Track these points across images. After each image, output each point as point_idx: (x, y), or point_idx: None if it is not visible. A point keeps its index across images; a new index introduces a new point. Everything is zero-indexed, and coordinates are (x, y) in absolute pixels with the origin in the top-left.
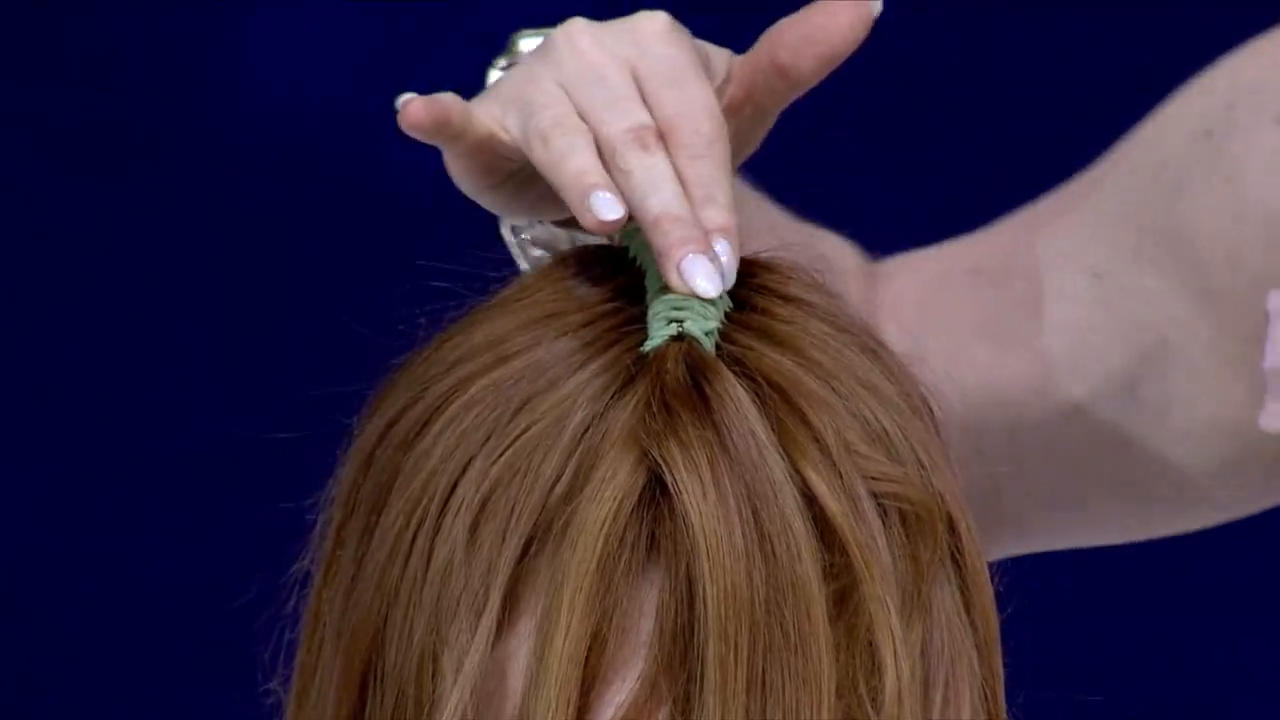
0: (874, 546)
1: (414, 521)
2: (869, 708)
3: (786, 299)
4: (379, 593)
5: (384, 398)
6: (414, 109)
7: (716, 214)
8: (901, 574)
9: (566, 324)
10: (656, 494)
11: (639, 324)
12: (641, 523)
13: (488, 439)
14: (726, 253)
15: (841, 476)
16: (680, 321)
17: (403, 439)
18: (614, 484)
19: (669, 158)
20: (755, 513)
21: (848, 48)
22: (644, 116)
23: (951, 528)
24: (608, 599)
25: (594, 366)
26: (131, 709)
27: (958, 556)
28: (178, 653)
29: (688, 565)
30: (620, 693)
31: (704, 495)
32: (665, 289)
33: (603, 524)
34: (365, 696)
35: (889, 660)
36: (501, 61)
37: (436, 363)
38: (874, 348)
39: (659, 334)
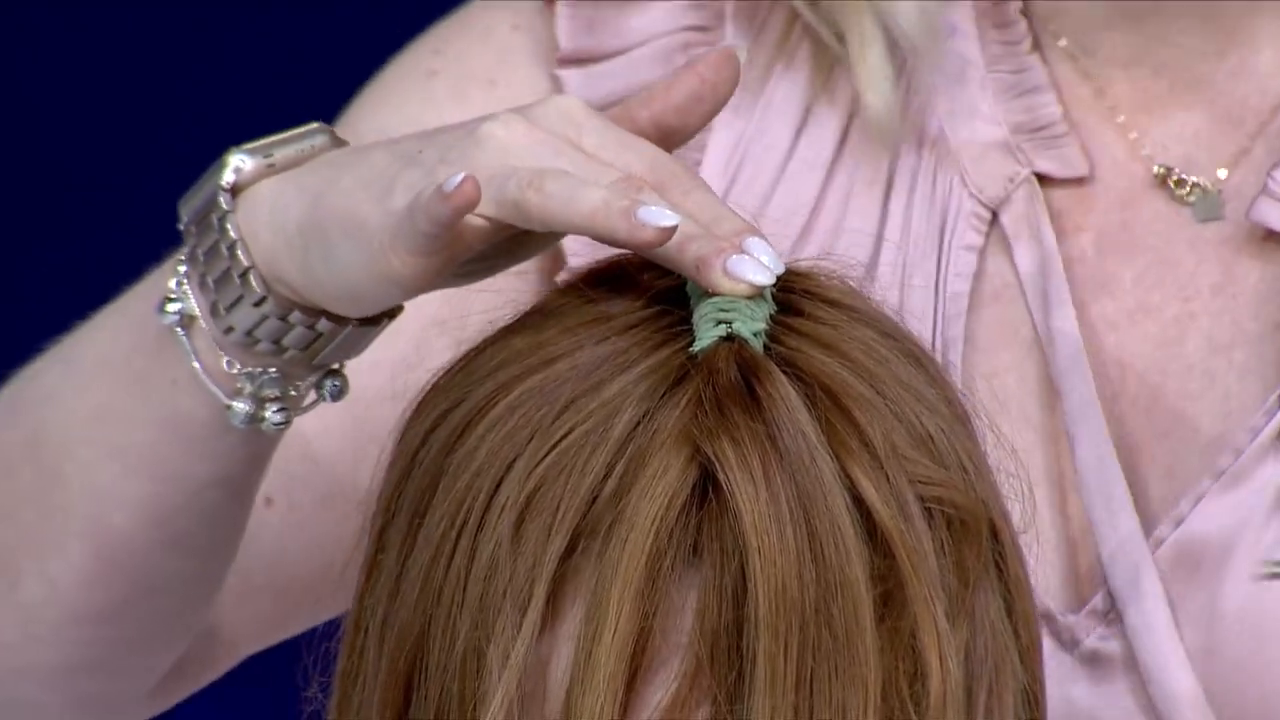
0: (920, 550)
1: (458, 521)
2: (912, 711)
3: (831, 303)
4: (423, 593)
5: (425, 404)
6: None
7: (732, 223)
8: (947, 578)
9: (610, 328)
10: (707, 491)
11: (684, 326)
12: (689, 520)
13: (532, 438)
14: (763, 246)
15: (889, 479)
16: (729, 323)
17: (445, 442)
18: (665, 481)
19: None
20: (806, 512)
21: (728, 99)
22: (622, 171)
23: (994, 534)
24: (654, 595)
25: (641, 368)
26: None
27: (1000, 563)
28: None
29: (739, 563)
30: (662, 689)
31: (756, 494)
32: (710, 293)
33: (654, 520)
34: (410, 698)
35: (934, 663)
36: (225, 182)
37: (477, 369)
38: (916, 354)
39: (708, 335)
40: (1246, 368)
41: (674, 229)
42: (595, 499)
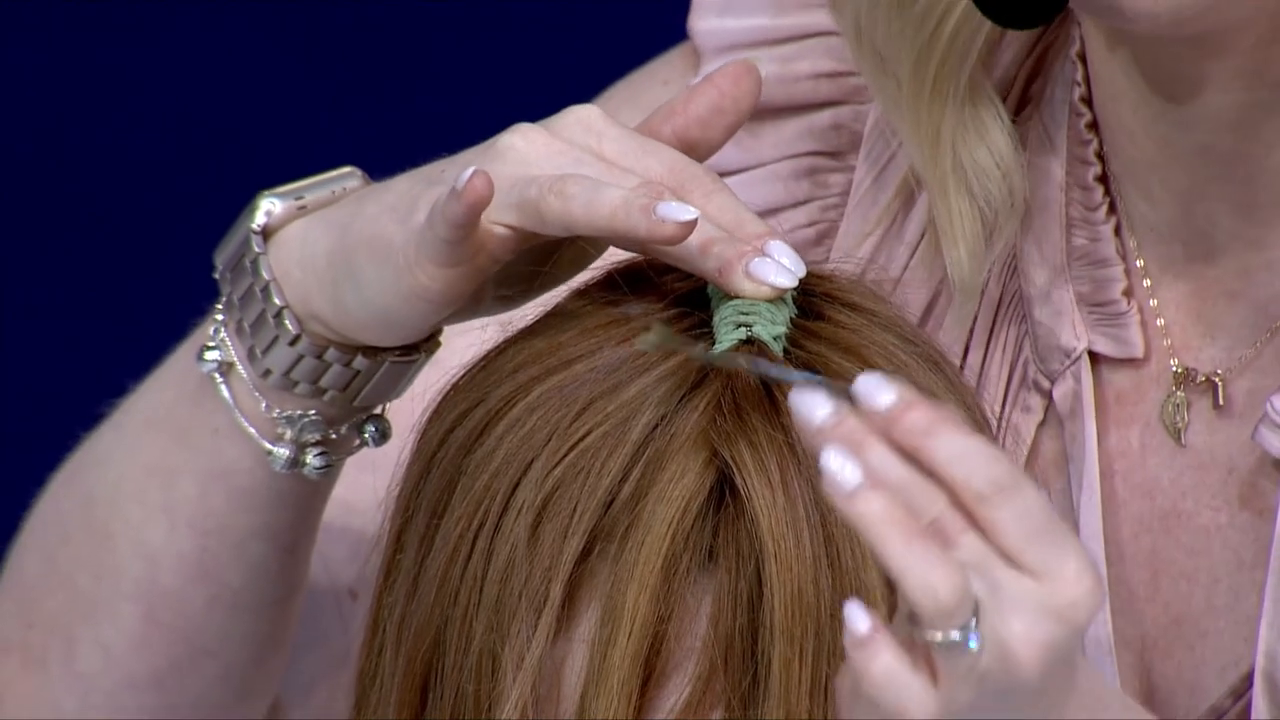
0: None
1: (475, 522)
2: None
3: (851, 307)
4: (440, 593)
5: (444, 404)
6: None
7: (755, 225)
8: None
9: (629, 330)
10: (724, 495)
11: (704, 329)
12: (706, 524)
13: (550, 439)
14: (784, 249)
15: None
16: (749, 325)
17: (463, 442)
18: (682, 484)
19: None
20: (823, 518)
21: (751, 111)
22: (642, 176)
23: None
24: (670, 599)
25: (660, 370)
26: None
27: None
28: None
29: (755, 567)
30: (676, 693)
31: (774, 498)
32: (730, 296)
33: (670, 524)
34: (426, 698)
35: None
36: (256, 225)
37: (496, 370)
38: (935, 358)
39: (727, 338)
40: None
41: (694, 223)
42: (612, 501)
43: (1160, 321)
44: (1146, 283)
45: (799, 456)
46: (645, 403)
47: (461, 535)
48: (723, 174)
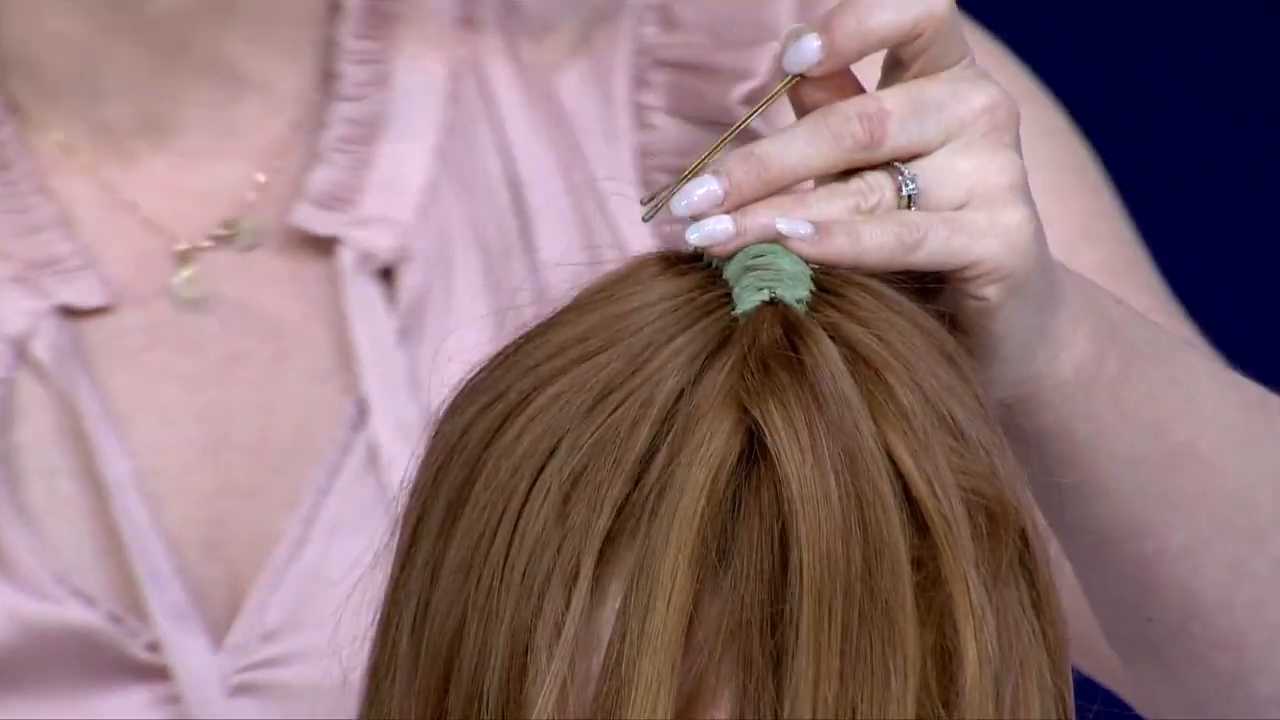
0: (957, 528)
1: (500, 506)
2: (947, 687)
3: (869, 291)
4: (464, 580)
5: (461, 399)
6: None
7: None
8: (981, 564)
9: (650, 314)
10: (755, 454)
11: (724, 301)
12: (738, 485)
13: (577, 424)
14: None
15: (928, 455)
16: (771, 288)
17: (485, 433)
18: (712, 447)
19: None
20: (852, 476)
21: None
22: None
23: (1024, 538)
24: (706, 562)
25: (681, 339)
26: None
27: (1029, 565)
28: None
29: (784, 527)
30: (710, 653)
31: (803, 457)
32: (750, 267)
33: (703, 486)
34: (449, 686)
35: (969, 642)
36: None
37: (515, 365)
38: (950, 352)
39: (750, 300)
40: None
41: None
42: (642, 471)
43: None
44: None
45: (827, 416)
46: (669, 371)
47: (487, 521)
48: None
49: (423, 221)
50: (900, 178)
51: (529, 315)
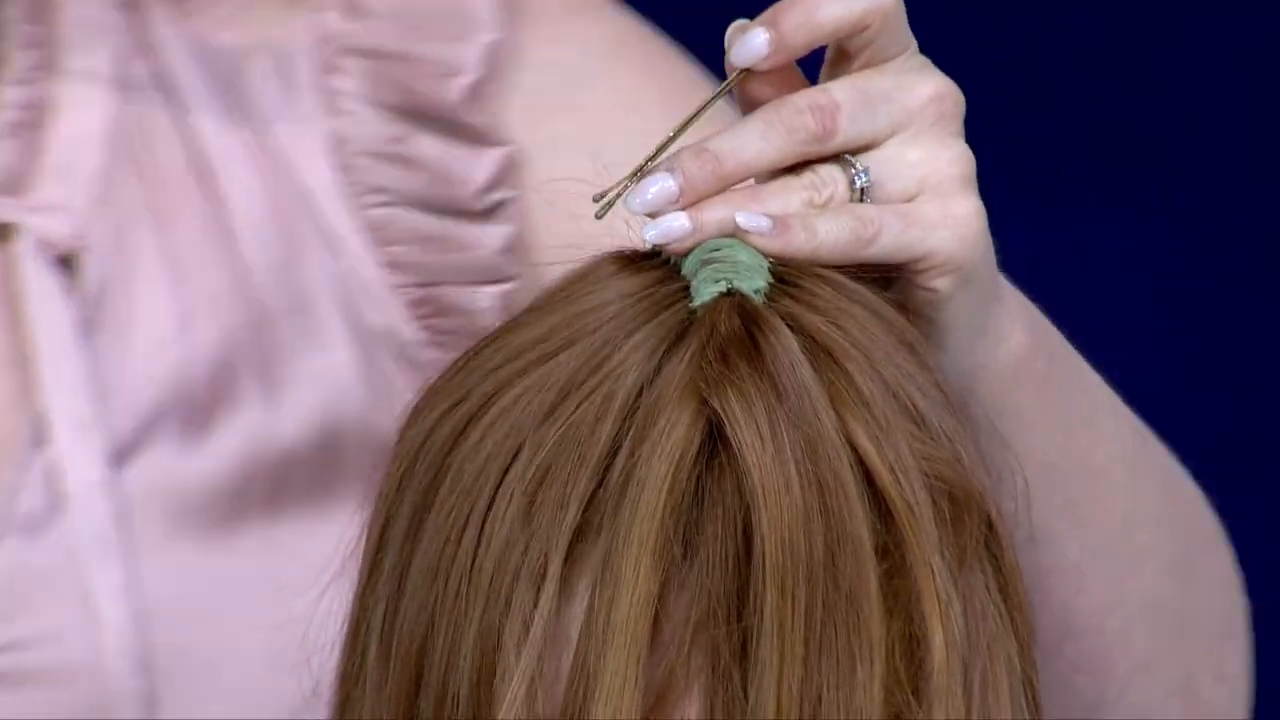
0: (920, 514)
1: (466, 510)
2: (916, 674)
3: (826, 281)
4: (431, 583)
5: (424, 405)
6: None
7: None
8: (944, 549)
9: (608, 311)
10: (716, 445)
11: (682, 295)
12: (699, 476)
13: (538, 424)
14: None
15: (889, 442)
16: (729, 279)
17: (448, 438)
18: (673, 437)
19: None
20: (814, 465)
21: None
22: None
23: (989, 524)
24: (669, 554)
25: (640, 334)
26: None
27: (994, 550)
28: None
29: (745, 517)
30: (674, 645)
31: (763, 446)
32: (707, 260)
33: (665, 478)
34: (419, 689)
35: (935, 629)
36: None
37: (475, 369)
38: (911, 341)
39: (708, 291)
40: None
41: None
42: (607, 467)
43: None
44: None
45: (786, 405)
46: (628, 364)
47: (452, 524)
48: None
49: (100, 209)
50: (853, 170)
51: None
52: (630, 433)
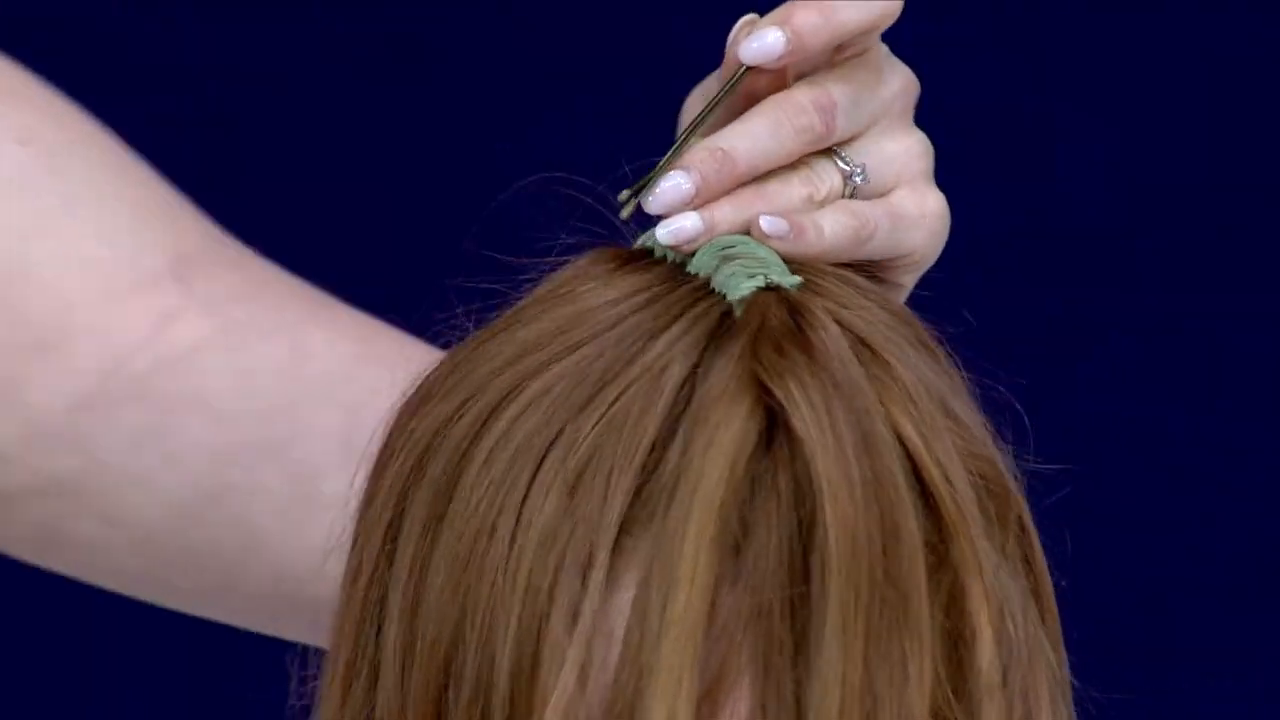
0: (967, 509)
1: (497, 500)
2: (964, 670)
3: (842, 279)
4: (462, 575)
5: (418, 407)
6: None
7: None
8: (988, 545)
9: (625, 308)
10: (774, 437)
11: (702, 293)
12: (759, 466)
13: (576, 415)
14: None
15: (935, 436)
16: (763, 274)
17: (466, 432)
18: (732, 429)
19: None
20: (871, 457)
21: None
22: None
23: (1021, 524)
24: (727, 547)
25: (677, 328)
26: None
27: (1026, 550)
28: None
29: (800, 509)
30: (733, 639)
31: (825, 439)
32: (728, 256)
33: (725, 469)
34: (448, 681)
35: (983, 625)
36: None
37: (478, 365)
38: (929, 343)
39: (745, 286)
40: None
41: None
42: (655, 459)
43: None
44: None
45: (843, 397)
46: (671, 356)
47: (483, 517)
48: None
49: None
50: (847, 167)
51: None
52: (682, 424)
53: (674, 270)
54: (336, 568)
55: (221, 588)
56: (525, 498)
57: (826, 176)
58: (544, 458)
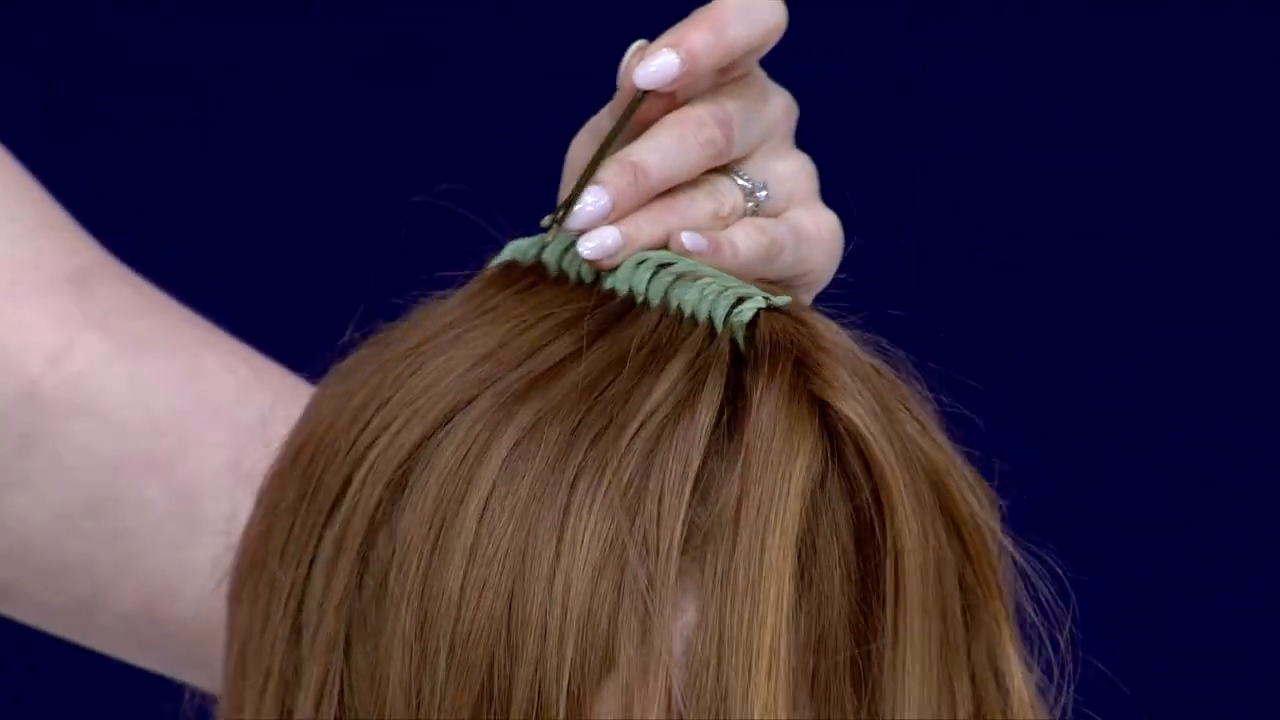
0: (991, 534)
1: (525, 524)
2: (979, 704)
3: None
4: (494, 602)
5: (358, 421)
6: None
7: None
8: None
9: (558, 324)
10: (843, 459)
11: (638, 309)
12: (830, 492)
13: (592, 446)
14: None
15: (954, 460)
16: (750, 295)
17: (463, 451)
18: (803, 451)
19: None
20: (936, 475)
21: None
22: None
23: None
24: (806, 572)
25: (682, 359)
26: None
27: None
28: None
29: (857, 531)
30: (831, 656)
31: (894, 460)
32: (680, 274)
33: (798, 502)
34: (486, 698)
35: (1009, 652)
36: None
37: (435, 375)
38: (892, 377)
39: (745, 309)
40: None
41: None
42: (708, 484)
43: None
44: None
45: (888, 413)
46: (703, 392)
47: (511, 539)
48: None
49: None
50: (749, 184)
51: None
52: (735, 447)
53: (589, 289)
54: (219, 593)
55: (91, 605)
56: (563, 523)
57: (729, 193)
58: (575, 483)
